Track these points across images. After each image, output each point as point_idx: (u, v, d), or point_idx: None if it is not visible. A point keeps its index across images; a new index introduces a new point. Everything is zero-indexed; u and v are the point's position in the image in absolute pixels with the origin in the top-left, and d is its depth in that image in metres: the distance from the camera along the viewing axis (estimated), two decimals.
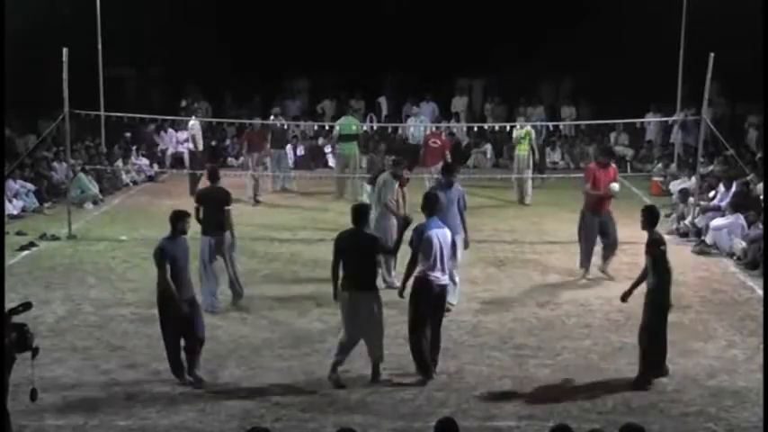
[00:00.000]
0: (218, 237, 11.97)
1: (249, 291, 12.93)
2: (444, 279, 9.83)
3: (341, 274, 9.56)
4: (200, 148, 20.72)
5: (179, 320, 9.46)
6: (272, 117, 20.93)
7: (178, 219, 9.75)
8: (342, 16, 26.09)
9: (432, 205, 10.07)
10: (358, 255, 9.54)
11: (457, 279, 12.05)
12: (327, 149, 24.02)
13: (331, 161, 23.87)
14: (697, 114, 17.98)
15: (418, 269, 9.71)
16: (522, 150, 19.41)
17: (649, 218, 9.89)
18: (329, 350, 10.58)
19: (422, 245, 9.66)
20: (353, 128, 20.22)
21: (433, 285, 9.68)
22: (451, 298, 11.53)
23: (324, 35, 25.78)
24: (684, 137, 23.05)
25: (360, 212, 9.81)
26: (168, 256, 9.46)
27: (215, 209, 11.97)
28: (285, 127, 22.33)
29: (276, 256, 14.95)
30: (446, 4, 26.13)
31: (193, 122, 20.59)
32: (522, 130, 19.62)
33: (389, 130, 23.37)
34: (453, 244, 10.45)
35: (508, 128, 20.67)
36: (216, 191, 12.27)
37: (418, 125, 22.24)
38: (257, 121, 20.77)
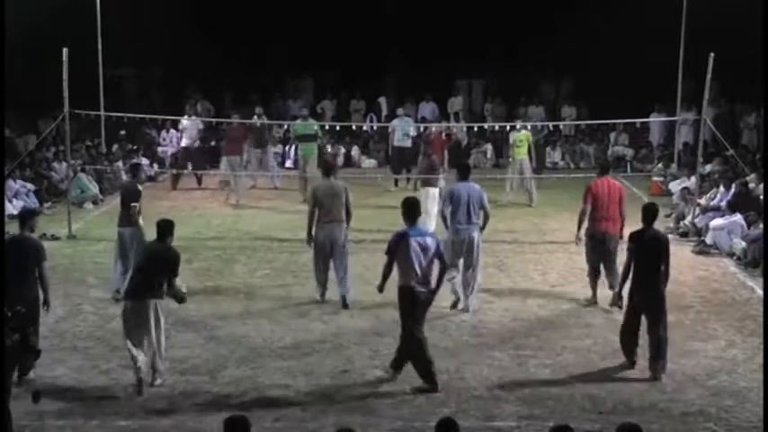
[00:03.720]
0: (123, 229, 12.37)
1: (249, 290, 12.98)
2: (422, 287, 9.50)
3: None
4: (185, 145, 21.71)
5: None
6: (254, 117, 21.03)
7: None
8: (342, 16, 26.10)
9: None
10: (152, 266, 9.50)
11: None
12: (328, 149, 23.96)
13: None
14: (697, 114, 17.98)
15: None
16: (521, 154, 19.24)
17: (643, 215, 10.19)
18: (329, 350, 10.62)
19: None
20: (314, 129, 20.17)
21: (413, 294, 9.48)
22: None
23: (324, 35, 25.79)
24: (687, 135, 23.08)
25: (165, 227, 9.70)
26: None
27: (125, 204, 12.48)
28: (284, 127, 22.33)
29: (276, 256, 14.95)
30: (446, 4, 26.13)
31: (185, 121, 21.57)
32: (521, 132, 19.44)
33: (390, 130, 23.33)
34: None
35: (508, 127, 20.67)
36: (126, 186, 13.00)
37: (404, 125, 22.06)
38: (258, 121, 20.83)
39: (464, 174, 12.17)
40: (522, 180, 19.47)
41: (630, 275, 10.02)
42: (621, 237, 12.08)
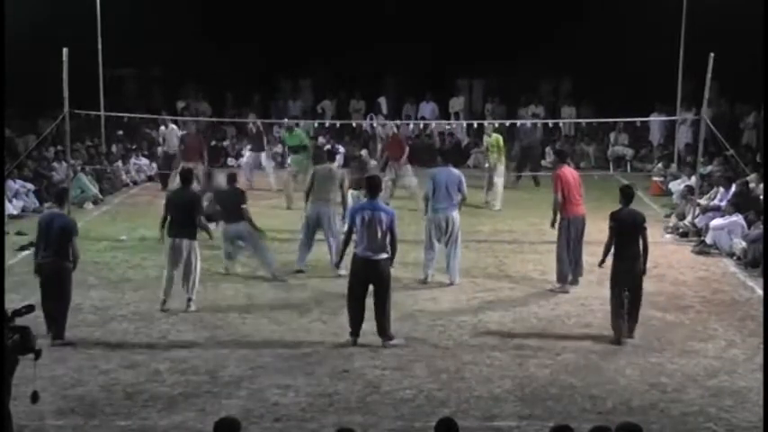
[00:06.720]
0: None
1: (249, 290, 13.00)
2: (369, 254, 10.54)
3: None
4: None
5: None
6: (250, 125, 21.10)
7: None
8: (342, 16, 26.12)
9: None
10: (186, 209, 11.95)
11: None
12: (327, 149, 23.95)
13: None
14: (697, 114, 17.98)
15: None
16: (493, 159, 19.17)
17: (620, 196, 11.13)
18: (329, 350, 10.62)
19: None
20: (300, 139, 20.00)
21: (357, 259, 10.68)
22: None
23: (324, 35, 25.81)
24: (687, 135, 23.09)
25: (187, 176, 12.42)
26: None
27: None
28: (287, 129, 22.29)
29: (276, 256, 14.92)
30: (447, 4, 26.15)
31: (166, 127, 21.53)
32: (491, 137, 19.37)
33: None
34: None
35: (508, 124, 20.71)
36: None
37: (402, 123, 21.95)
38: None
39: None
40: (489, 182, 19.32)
41: (612, 251, 10.89)
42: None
